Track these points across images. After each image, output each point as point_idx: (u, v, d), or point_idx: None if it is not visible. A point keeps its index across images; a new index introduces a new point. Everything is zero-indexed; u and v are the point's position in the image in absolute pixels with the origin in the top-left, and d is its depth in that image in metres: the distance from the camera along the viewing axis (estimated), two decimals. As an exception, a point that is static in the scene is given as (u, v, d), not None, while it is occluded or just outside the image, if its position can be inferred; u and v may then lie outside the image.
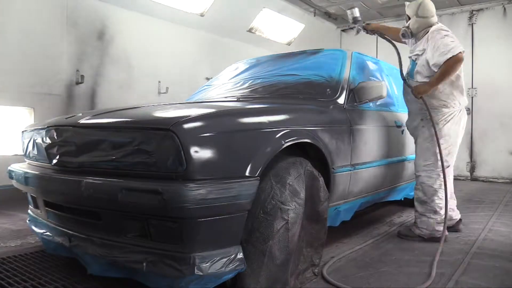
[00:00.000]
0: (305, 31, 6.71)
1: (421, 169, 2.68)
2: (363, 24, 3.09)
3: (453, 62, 2.47)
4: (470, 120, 6.07)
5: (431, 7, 2.68)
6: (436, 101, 2.63)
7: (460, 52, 2.47)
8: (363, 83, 2.46)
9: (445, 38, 2.54)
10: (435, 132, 2.57)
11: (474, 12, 6.12)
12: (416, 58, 2.71)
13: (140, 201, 1.36)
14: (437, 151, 2.58)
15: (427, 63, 2.59)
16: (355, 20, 3.08)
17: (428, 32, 2.63)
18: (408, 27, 2.73)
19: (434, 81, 2.54)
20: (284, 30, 6.51)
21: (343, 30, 7.52)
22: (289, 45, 6.74)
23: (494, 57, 5.89)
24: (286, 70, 2.79)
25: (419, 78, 2.66)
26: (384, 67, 3.24)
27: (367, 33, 3.14)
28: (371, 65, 2.99)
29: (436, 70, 2.55)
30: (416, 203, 2.72)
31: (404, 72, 2.81)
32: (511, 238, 2.68)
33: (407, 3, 2.82)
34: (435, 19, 2.69)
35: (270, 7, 5.87)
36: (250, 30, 6.02)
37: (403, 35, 2.78)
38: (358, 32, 3.15)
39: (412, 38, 2.77)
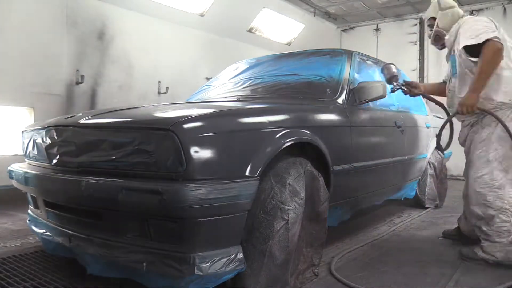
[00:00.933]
0: (305, 31, 6.71)
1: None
2: (402, 83, 2.71)
3: (490, 52, 2.06)
4: (470, 120, 6.06)
5: None
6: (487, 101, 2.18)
7: (494, 39, 2.05)
8: (363, 83, 2.46)
9: (477, 23, 2.18)
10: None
11: (474, 12, 6.11)
12: (453, 52, 2.34)
13: (140, 201, 1.36)
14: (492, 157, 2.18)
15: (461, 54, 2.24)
16: (391, 77, 2.66)
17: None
18: (437, 27, 2.41)
19: (475, 83, 2.12)
20: (284, 30, 6.51)
21: (343, 30, 7.52)
22: (289, 45, 6.74)
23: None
24: (286, 70, 2.79)
25: (462, 76, 2.29)
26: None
27: (404, 91, 2.73)
28: (371, 65, 2.99)
29: (471, 59, 2.18)
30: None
31: (445, 73, 2.58)
32: (511, 238, 2.68)
33: (423, 15, 2.64)
34: (459, 9, 2.40)
35: (270, 7, 5.87)
36: (250, 30, 6.02)
37: (436, 39, 2.45)
38: (394, 90, 2.70)
39: (443, 41, 2.42)
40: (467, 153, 2.37)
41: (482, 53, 2.09)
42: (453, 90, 2.40)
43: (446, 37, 2.39)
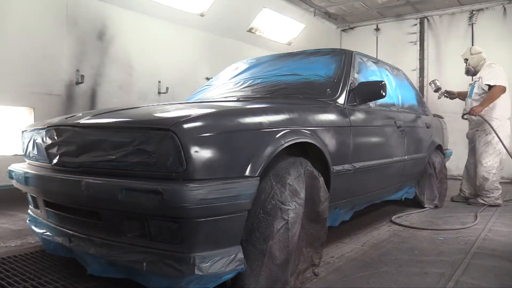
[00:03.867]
0: (305, 31, 6.72)
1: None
2: (444, 91, 4.42)
3: (497, 91, 3.76)
4: (470, 120, 6.06)
5: (478, 47, 4.11)
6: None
7: (502, 84, 3.74)
8: (363, 83, 2.46)
9: (495, 69, 3.84)
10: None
11: (474, 12, 6.12)
12: (474, 83, 4.00)
13: (140, 201, 1.36)
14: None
15: (480, 85, 3.88)
16: (437, 89, 4.39)
17: (484, 65, 3.94)
18: (469, 65, 4.02)
19: (484, 103, 3.79)
20: (284, 30, 6.51)
21: (343, 30, 7.52)
22: (289, 45, 6.74)
23: (494, 57, 5.87)
24: (286, 70, 2.79)
25: (475, 97, 3.95)
26: (384, 67, 3.24)
27: (446, 97, 4.48)
28: (371, 65, 2.98)
29: (485, 89, 3.84)
30: None
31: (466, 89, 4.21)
32: (511, 238, 2.68)
33: (462, 53, 4.16)
34: (484, 54, 4.00)
35: (270, 7, 5.87)
36: (250, 30, 6.03)
37: (467, 72, 4.06)
38: (440, 97, 4.47)
39: (474, 74, 4.03)
40: (473, 148, 4.04)
41: (493, 89, 3.79)
42: (468, 105, 4.04)
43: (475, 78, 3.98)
